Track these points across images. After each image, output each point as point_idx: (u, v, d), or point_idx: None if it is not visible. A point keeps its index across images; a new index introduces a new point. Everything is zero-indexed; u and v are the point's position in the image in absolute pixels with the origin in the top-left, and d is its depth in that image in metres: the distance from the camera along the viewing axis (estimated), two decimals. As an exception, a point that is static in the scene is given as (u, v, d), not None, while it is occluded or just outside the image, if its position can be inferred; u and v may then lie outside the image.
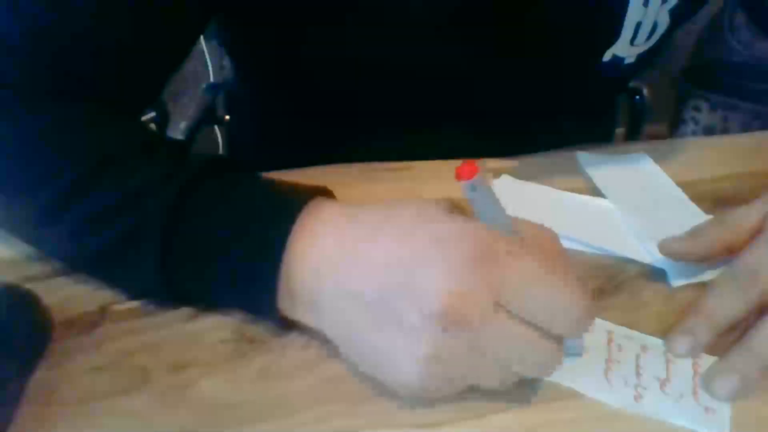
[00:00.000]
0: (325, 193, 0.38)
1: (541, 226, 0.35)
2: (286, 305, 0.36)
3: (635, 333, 0.38)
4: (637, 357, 0.37)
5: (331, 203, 0.37)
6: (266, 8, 0.51)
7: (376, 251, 0.33)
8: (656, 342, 0.38)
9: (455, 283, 0.31)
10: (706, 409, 0.34)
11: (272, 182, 0.39)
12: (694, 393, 0.35)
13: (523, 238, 0.33)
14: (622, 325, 0.39)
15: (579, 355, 0.37)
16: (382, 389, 0.35)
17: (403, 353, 0.32)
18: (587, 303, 0.32)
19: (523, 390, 0.35)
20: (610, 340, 0.38)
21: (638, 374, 0.36)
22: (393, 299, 0.32)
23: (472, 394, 0.34)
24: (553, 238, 0.35)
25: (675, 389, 0.35)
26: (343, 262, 0.34)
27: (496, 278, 0.31)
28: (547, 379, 0.35)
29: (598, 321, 0.39)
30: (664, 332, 0.38)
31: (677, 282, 0.42)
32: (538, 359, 0.32)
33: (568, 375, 0.36)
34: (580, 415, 0.34)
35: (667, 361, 0.37)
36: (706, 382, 0.35)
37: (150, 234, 0.36)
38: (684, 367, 0.37)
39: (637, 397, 0.35)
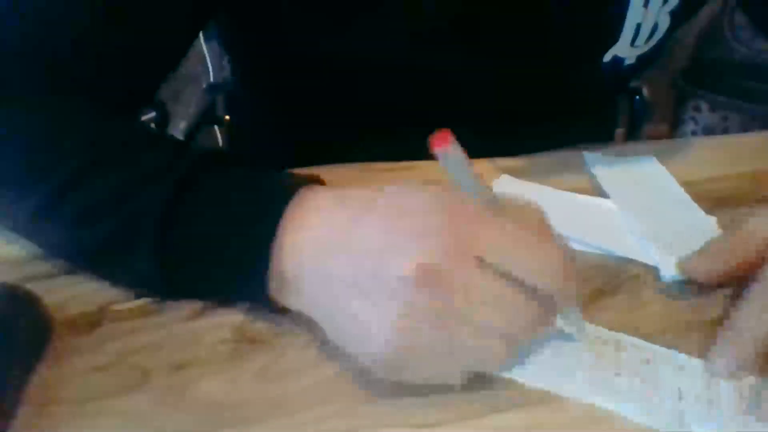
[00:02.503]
0: (315, 180, 0.39)
1: (527, 202, 0.35)
2: (276, 290, 0.36)
3: (672, 352, 0.37)
4: (677, 378, 0.36)
5: (321, 189, 0.38)
6: (267, 9, 0.51)
7: (362, 231, 0.34)
8: (696, 363, 0.37)
9: (425, 246, 0.31)
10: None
11: (266, 173, 0.39)
12: (741, 412, 0.34)
13: (502, 205, 0.34)
14: (621, 324, 0.39)
15: (579, 324, 0.37)
16: (382, 389, 0.35)
17: (375, 321, 0.32)
18: (568, 257, 0.33)
19: (524, 390, 0.35)
20: (647, 361, 0.37)
21: (680, 396, 0.35)
22: (367, 271, 0.32)
23: (472, 394, 0.34)
24: (538, 210, 0.35)
25: (720, 410, 0.34)
26: (330, 243, 0.35)
27: (469, 237, 0.32)
28: (585, 400, 0.35)
29: (634, 340, 0.38)
30: (664, 333, 0.38)
31: (668, 276, 0.42)
32: (518, 315, 0.32)
33: (606, 397, 0.35)
34: (581, 416, 0.34)
35: (709, 381, 0.36)
36: (755, 404, 0.34)
37: (146, 225, 0.36)
38: (726, 386, 0.36)
39: (681, 419, 0.34)
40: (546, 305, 0.33)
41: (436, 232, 0.32)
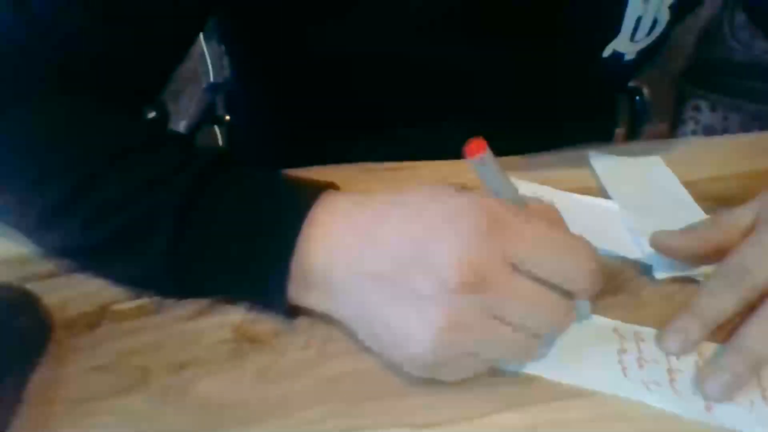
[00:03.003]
0: (332, 186, 0.39)
1: (543, 202, 0.37)
2: (297, 291, 0.36)
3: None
4: (698, 367, 0.36)
5: (342, 194, 0.38)
6: (267, 5, 0.51)
7: (389, 229, 0.34)
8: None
9: (467, 251, 0.32)
10: None
11: (284, 175, 0.39)
12: (765, 399, 0.35)
13: (530, 208, 0.35)
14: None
15: (587, 317, 0.38)
16: (382, 389, 0.35)
17: (418, 324, 0.32)
18: (596, 258, 0.34)
19: (524, 390, 0.35)
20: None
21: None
22: (406, 273, 0.33)
23: (472, 393, 0.34)
24: (557, 212, 0.36)
25: (745, 397, 0.35)
26: (356, 241, 0.35)
27: (507, 243, 0.32)
28: (611, 392, 0.35)
29: (649, 330, 0.39)
30: (665, 332, 0.38)
31: (661, 274, 0.42)
32: (551, 316, 0.33)
33: (633, 389, 0.35)
34: (581, 415, 0.34)
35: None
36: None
37: (162, 221, 0.37)
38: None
39: (709, 408, 0.34)
40: (569, 300, 0.34)
41: (470, 239, 0.32)
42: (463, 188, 0.35)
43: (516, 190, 0.36)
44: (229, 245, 0.37)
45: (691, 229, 0.42)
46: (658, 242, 0.42)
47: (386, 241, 0.34)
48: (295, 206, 0.36)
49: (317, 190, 0.37)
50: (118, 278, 0.41)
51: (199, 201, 0.37)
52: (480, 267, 0.32)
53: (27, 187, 0.40)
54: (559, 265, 0.33)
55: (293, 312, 0.37)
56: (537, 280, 0.33)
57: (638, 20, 0.51)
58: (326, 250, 0.35)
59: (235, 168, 0.39)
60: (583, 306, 0.37)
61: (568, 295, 0.34)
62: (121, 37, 0.44)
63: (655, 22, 0.52)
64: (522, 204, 0.36)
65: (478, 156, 0.34)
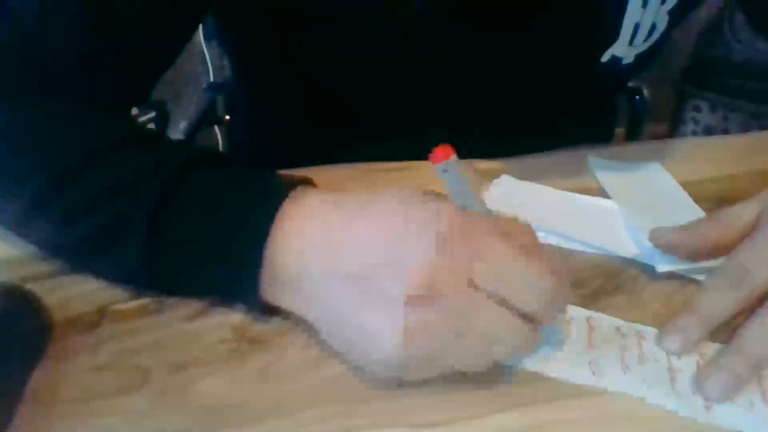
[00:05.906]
0: (307, 182, 0.39)
1: (516, 218, 0.36)
2: (268, 289, 0.36)
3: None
4: (699, 366, 0.36)
5: (314, 191, 0.38)
6: (264, 6, 0.51)
7: (358, 233, 0.34)
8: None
9: (431, 260, 0.32)
10: None
11: (258, 172, 0.39)
12: (765, 399, 0.35)
13: (496, 220, 0.35)
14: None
15: (559, 344, 0.37)
16: (382, 389, 0.35)
17: (382, 329, 0.32)
18: (559, 284, 0.33)
19: (524, 390, 0.35)
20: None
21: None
22: (373, 277, 0.33)
23: (472, 393, 0.34)
24: (528, 227, 0.35)
25: (744, 398, 0.35)
26: (326, 244, 0.35)
27: (469, 256, 0.32)
28: (612, 391, 0.35)
29: (650, 329, 0.39)
30: (664, 332, 0.38)
31: (662, 267, 0.42)
32: (511, 339, 0.33)
33: (633, 388, 0.35)
34: (580, 415, 0.34)
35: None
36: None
37: (137, 220, 0.37)
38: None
39: (708, 407, 0.34)
40: (531, 323, 0.34)
41: (434, 249, 0.32)
42: (438, 195, 0.35)
43: (482, 201, 0.35)
44: (201, 245, 0.37)
45: (690, 225, 0.42)
46: (657, 238, 0.42)
47: (355, 245, 0.34)
48: (265, 206, 0.36)
49: (289, 186, 0.37)
50: (99, 274, 0.41)
51: (174, 200, 0.37)
52: (437, 278, 0.32)
53: (8, 183, 0.41)
54: (519, 287, 0.33)
55: (273, 310, 0.38)
56: (497, 298, 0.32)
57: (636, 26, 0.51)
58: (296, 250, 0.35)
59: (211, 167, 0.39)
60: (554, 331, 0.36)
61: (531, 317, 0.33)
62: (109, 41, 0.44)
63: (653, 27, 0.52)
64: (490, 215, 0.35)
65: (443, 163, 0.33)
